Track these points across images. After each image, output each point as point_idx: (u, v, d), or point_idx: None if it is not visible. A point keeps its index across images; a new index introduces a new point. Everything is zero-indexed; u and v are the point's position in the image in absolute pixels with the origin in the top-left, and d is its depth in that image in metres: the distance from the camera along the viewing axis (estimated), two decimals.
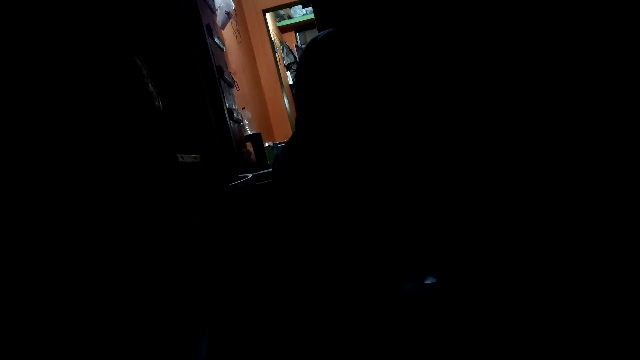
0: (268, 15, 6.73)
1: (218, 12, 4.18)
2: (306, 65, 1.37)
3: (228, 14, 4.38)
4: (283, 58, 7.33)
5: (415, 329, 1.28)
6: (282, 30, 8.25)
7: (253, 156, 4.01)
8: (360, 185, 1.27)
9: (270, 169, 2.00)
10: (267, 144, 4.47)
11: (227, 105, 3.47)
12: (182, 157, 1.88)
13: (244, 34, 5.86)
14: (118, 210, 1.73)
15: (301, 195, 1.27)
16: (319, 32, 3.36)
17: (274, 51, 6.65)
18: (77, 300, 1.50)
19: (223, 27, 4.35)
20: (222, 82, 3.48)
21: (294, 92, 1.47)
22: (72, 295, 1.50)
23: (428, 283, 1.56)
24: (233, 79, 4.07)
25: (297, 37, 8.29)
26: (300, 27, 8.41)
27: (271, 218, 1.30)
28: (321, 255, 1.23)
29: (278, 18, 8.02)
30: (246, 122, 4.32)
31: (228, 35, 4.74)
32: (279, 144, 4.78)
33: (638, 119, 1.77)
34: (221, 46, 3.84)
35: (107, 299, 1.50)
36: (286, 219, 1.27)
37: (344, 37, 1.40)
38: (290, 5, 6.98)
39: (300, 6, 7.77)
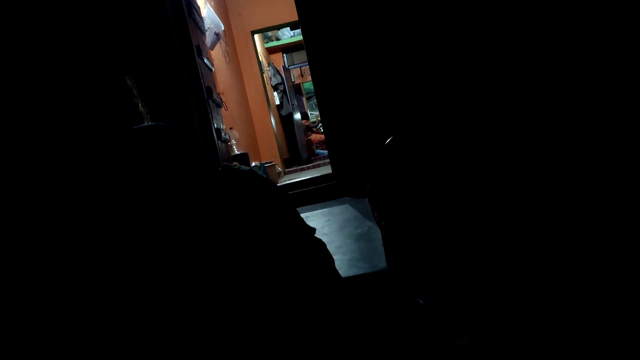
0: (256, 36, 6.82)
1: (207, 33, 4.23)
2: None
3: (217, 35, 4.44)
4: (270, 79, 7.41)
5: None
6: (270, 51, 8.36)
7: None
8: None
9: None
10: (253, 164, 4.48)
11: (215, 125, 3.49)
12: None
13: (232, 55, 5.92)
14: (103, 230, 1.72)
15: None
16: (307, 53, 3.44)
17: (262, 72, 6.72)
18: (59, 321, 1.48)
19: (212, 47, 4.40)
20: (210, 102, 3.51)
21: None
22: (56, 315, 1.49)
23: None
24: (221, 99, 4.10)
25: (285, 58, 8.41)
26: (287, 49, 8.55)
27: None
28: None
29: (266, 39, 8.14)
30: (234, 141, 4.34)
31: (217, 56, 4.79)
32: (266, 164, 4.80)
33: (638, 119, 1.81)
34: (210, 67, 3.88)
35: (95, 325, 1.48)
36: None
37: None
38: (278, 27, 7.09)
39: (288, 28, 7.90)
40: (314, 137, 7.92)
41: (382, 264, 1.96)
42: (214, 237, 1.21)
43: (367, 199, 2.72)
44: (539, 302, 1.57)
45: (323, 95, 3.41)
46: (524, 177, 1.79)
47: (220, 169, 1.33)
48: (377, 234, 2.28)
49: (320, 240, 1.35)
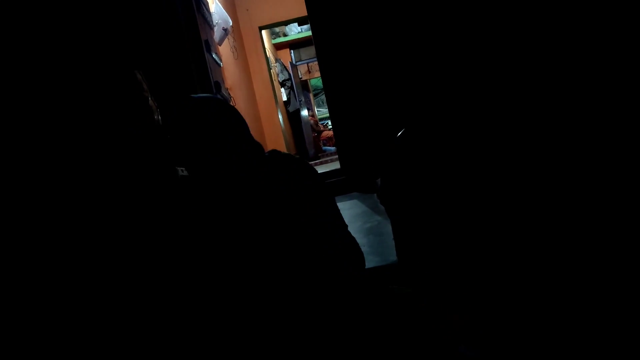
0: (264, 32, 6.81)
1: (216, 29, 4.23)
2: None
3: (225, 30, 4.44)
4: (278, 75, 7.41)
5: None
6: (277, 47, 8.35)
7: None
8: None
9: None
10: None
11: None
12: (183, 171, 1.89)
13: (240, 51, 5.92)
14: (118, 223, 1.73)
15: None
16: (316, 48, 3.43)
17: (269, 68, 6.71)
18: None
19: (220, 43, 4.40)
20: (219, 97, 3.50)
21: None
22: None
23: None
24: (230, 94, 4.10)
25: (292, 55, 8.39)
26: (295, 45, 8.53)
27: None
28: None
29: (273, 35, 8.13)
30: None
31: (225, 51, 4.79)
32: None
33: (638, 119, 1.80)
34: (218, 62, 3.88)
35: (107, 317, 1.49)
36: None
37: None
38: (286, 23, 7.07)
39: (295, 24, 7.89)
40: (323, 134, 7.94)
41: (392, 257, 1.96)
42: (265, 218, 1.20)
43: (376, 195, 2.71)
44: (547, 299, 1.57)
45: (332, 90, 3.40)
46: (538, 172, 1.78)
47: (266, 153, 1.30)
48: (387, 228, 2.28)
49: (353, 237, 1.35)
